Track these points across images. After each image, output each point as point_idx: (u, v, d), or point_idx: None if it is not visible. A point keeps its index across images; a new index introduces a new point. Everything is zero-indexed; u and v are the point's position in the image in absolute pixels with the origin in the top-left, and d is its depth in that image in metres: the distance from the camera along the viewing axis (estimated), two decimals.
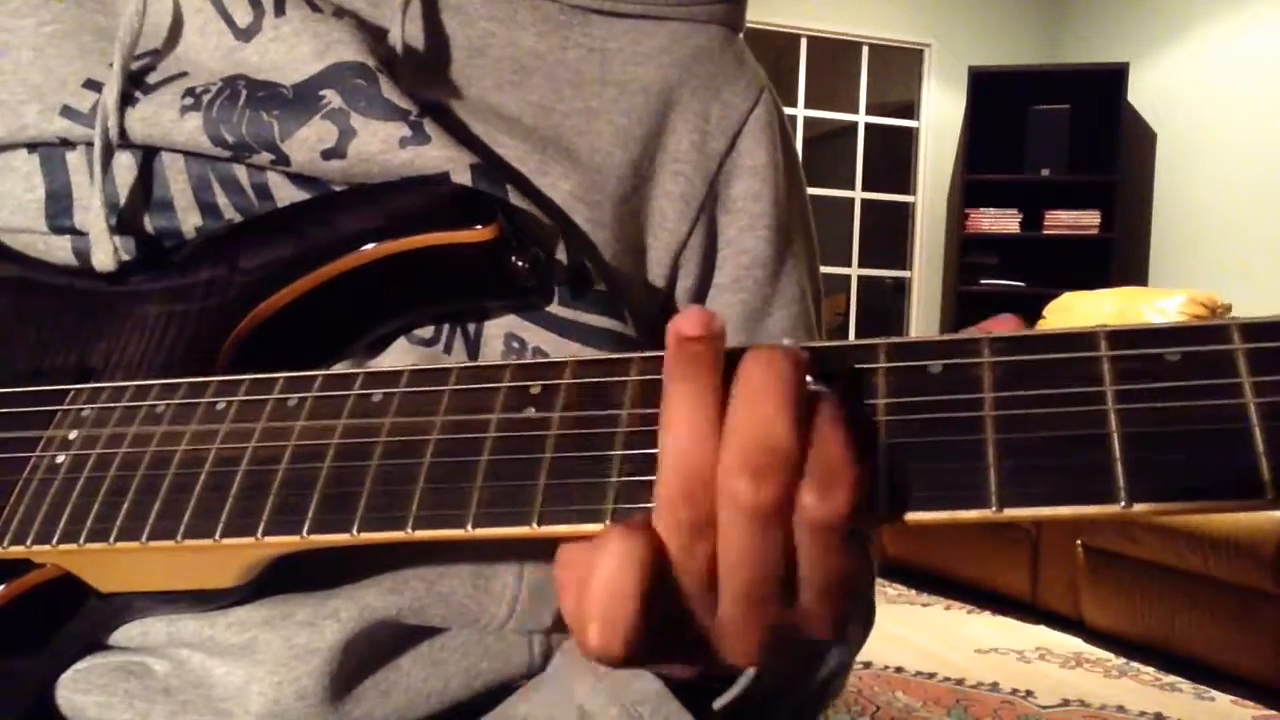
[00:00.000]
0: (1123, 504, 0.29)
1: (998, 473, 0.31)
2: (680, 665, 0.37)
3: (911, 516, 0.31)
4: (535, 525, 0.35)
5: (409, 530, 0.37)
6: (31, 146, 0.56)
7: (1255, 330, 0.30)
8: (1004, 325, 0.35)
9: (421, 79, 0.58)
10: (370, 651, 0.52)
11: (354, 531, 0.39)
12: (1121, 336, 0.32)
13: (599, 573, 0.33)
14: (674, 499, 0.32)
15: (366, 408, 0.41)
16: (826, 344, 0.36)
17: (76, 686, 0.51)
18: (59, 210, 0.55)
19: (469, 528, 0.36)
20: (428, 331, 0.54)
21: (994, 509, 0.30)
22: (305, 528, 0.39)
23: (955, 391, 0.33)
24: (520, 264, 0.51)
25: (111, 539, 0.43)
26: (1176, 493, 0.29)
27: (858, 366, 0.34)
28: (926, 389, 0.33)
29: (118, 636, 0.52)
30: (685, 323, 0.33)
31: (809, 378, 0.33)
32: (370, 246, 0.50)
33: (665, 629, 0.34)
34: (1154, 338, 0.31)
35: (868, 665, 3.00)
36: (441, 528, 0.37)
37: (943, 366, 0.33)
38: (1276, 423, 0.28)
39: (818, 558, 0.32)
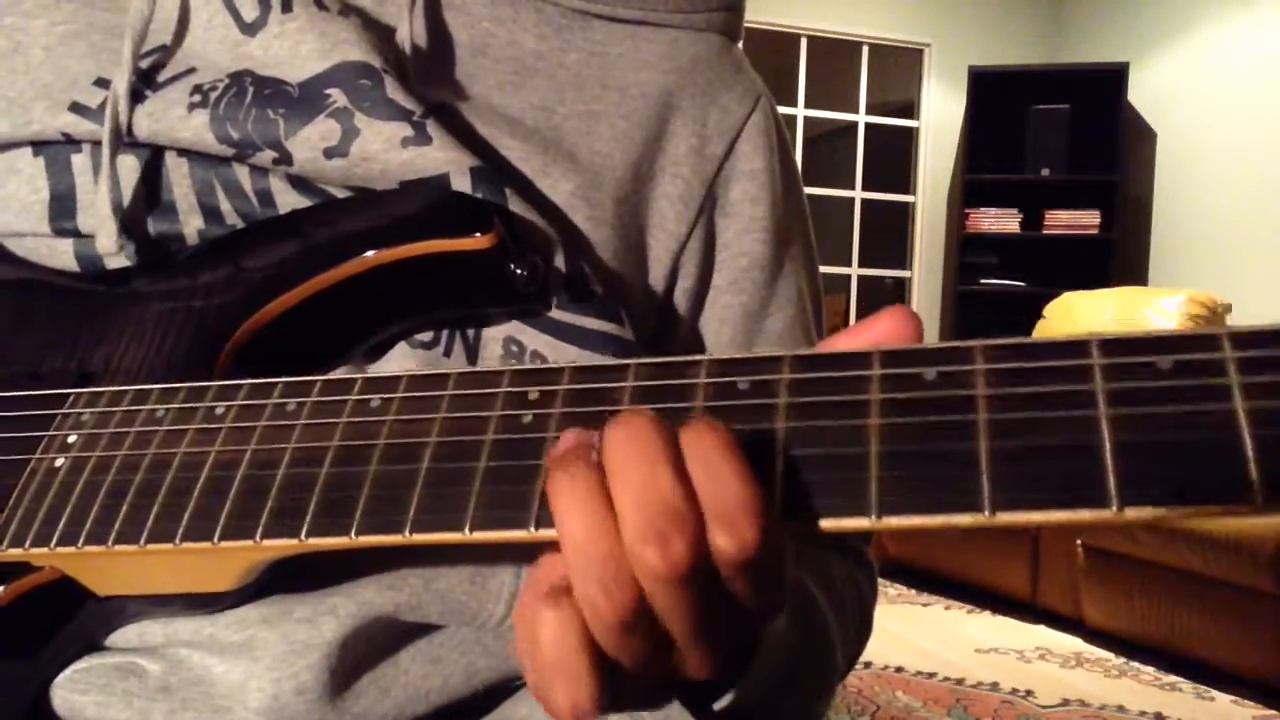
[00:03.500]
0: (1114, 509, 0.29)
1: (990, 479, 0.31)
2: (655, 697, 0.38)
3: (904, 522, 0.32)
4: (533, 529, 0.36)
5: (407, 534, 0.38)
6: (37, 147, 0.57)
7: (1245, 339, 0.30)
8: (894, 316, 0.36)
9: (426, 77, 0.58)
10: (369, 648, 0.52)
11: (352, 535, 0.39)
12: (1114, 344, 0.32)
13: (543, 646, 0.33)
14: (593, 597, 0.32)
15: (365, 412, 0.42)
16: (822, 352, 0.36)
17: (75, 686, 0.51)
18: (62, 212, 0.56)
19: (467, 531, 0.36)
20: (427, 335, 0.54)
21: (987, 514, 0.31)
22: (304, 531, 0.40)
23: (949, 398, 0.33)
24: (519, 272, 0.51)
25: (110, 542, 0.43)
26: (1167, 498, 0.29)
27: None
28: (920, 395, 0.33)
29: (115, 638, 0.52)
30: (560, 445, 0.35)
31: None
32: (369, 254, 0.50)
33: (626, 680, 0.34)
34: (1146, 346, 0.31)
35: (868, 665, 3.00)
36: (439, 531, 0.37)
37: (936, 374, 0.33)
38: (1265, 430, 0.29)
39: (749, 585, 0.33)
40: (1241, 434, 0.29)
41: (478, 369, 0.41)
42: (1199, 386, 0.30)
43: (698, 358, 0.37)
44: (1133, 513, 0.29)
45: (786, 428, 0.34)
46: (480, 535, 0.36)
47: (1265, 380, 0.29)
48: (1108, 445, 0.30)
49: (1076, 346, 0.32)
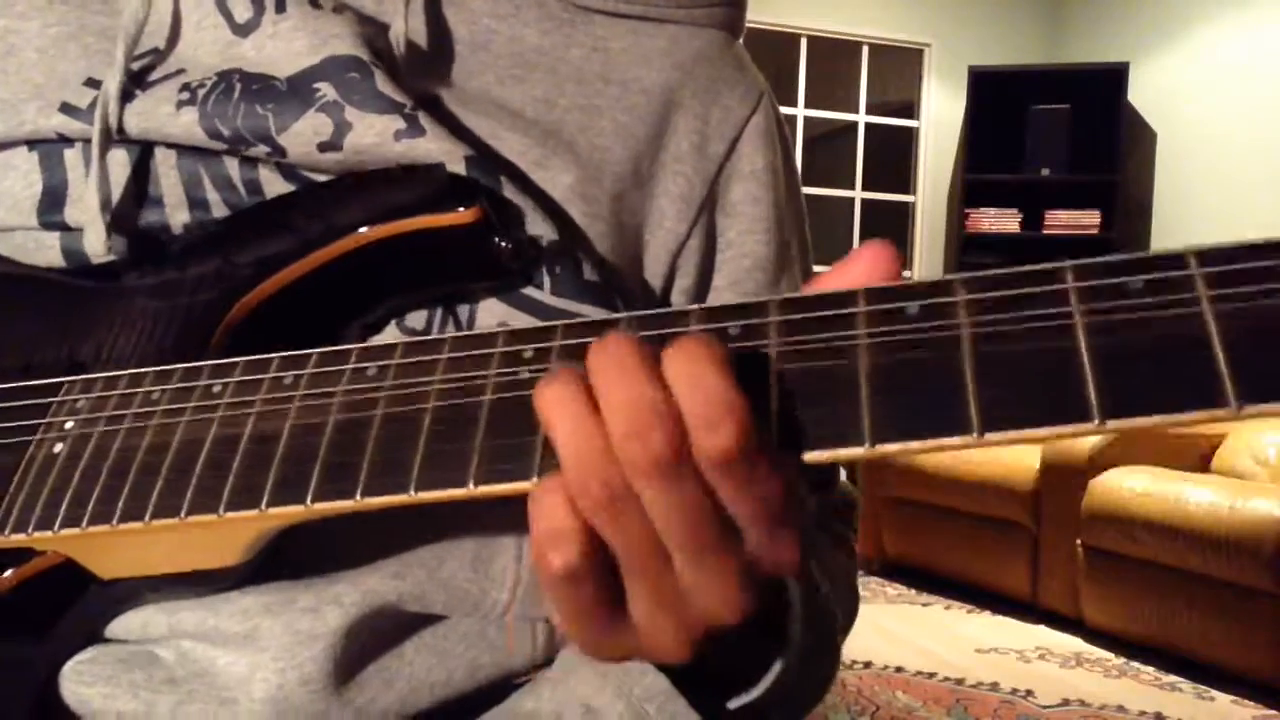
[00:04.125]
0: (1096, 420, 0.30)
1: (977, 400, 0.32)
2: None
3: (897, 447, 0.33)
4: (536, 478, 0.36)
5: (413, 492, 0.38)
6: (31, 144, 0.57)
7: (1211, 255, 0.31)
8: (872, 249, 0.37)
9: (423, 72, 0.58)
10: (373, 638, 0.52)
11: (358, 497, 0.39)
12: (1087, 269, 0.33)
13: (537, 519, 0.34)
14: (583, 479, 0.33)
15: (363, 380, 0.42)
16: (810, 294, 0.37)
17: (81, 678, 0.51)
18: (51, 205, 0.56)
19: (471, 485, 0.37)
20: (420, 320, 0.54)
21: (975, 434, 0.31)
22: (309, 496, 0.40)
23: (932, 329, 0.34)
24: (504, 245, 0.51)
25: (115, 520, 0.43)
26: (1146, 407, 0.30)
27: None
28: (905, 328, 0.34)
29: (117, 628, 0.52)
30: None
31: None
32: (355, 233, 0.51)
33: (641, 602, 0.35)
34: (1117, 268, 0.32)
35: (868, 665, 3.01)
36: (444, 488, 0.37)
37: (919, 307, 0.34)
38: (1235, 337, 0.30)
39: (738, 493, 0.33)
40: (1212, 343, 0.30)
41: (471, 333, 0.41)
42: (1169, 301, 0.31)
43: (688, 308, 0.38)
44: (1114, 424, 0.30)
45: (778, 369, 0.35)
46: (484, 489, 0.37)
47: (1231, 291, 0.30)
48: (1086, 361, 0.31)
49: (1051, 274, 0.33)
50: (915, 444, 0.32)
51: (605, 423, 0.33)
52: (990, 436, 0.31)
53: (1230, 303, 0.30)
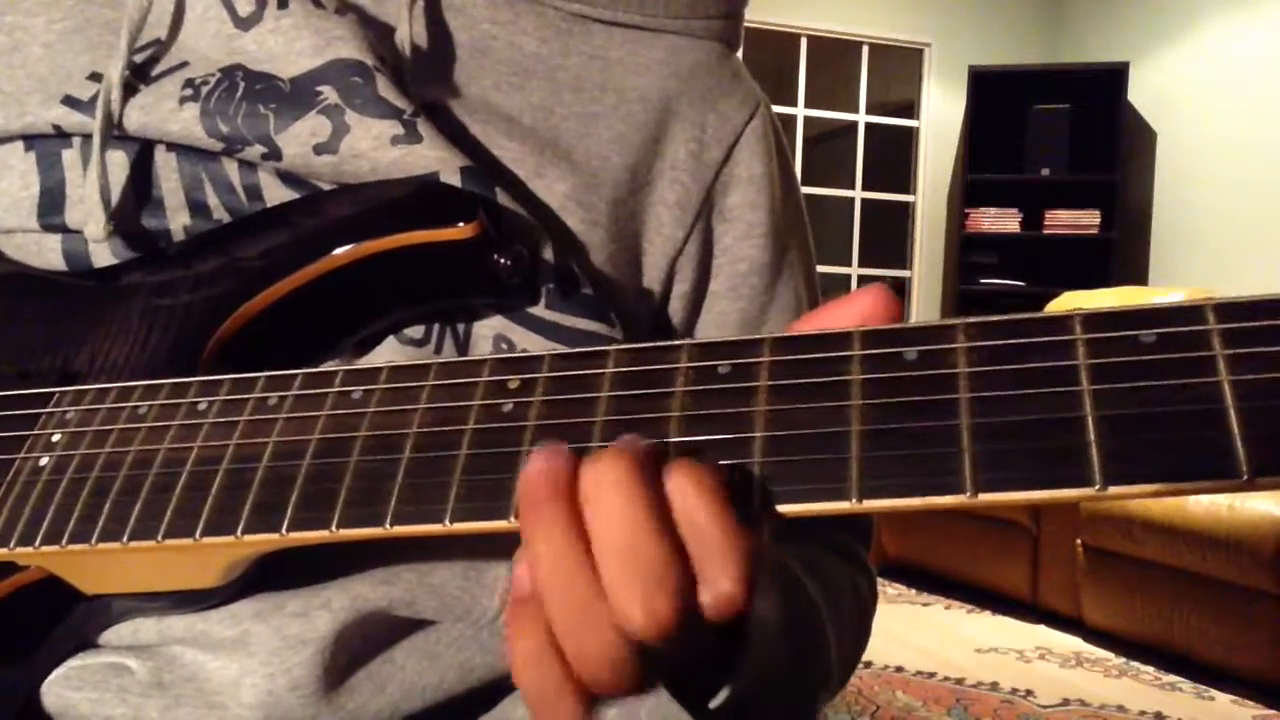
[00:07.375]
0: (1097, 486, 0.29)
1: (972, 457, 0.30)
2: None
3: (886, 504, 0.31)
4: (513, 520, 0.35)
5: (387, 526, 0.37)
6: (29, 142, 0.57)
7: (1229, 310, 0.30)
8: (873, 294, 0.36)
9: (424, 76, 0.58)
10: (362, 643, 0.52)
11: (333, 528, 0.38)
12: (1096, 319, 0.31)
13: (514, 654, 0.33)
14: (576, 640, 0.32)
15: (346, 404, 0.41)
16: (804, 334, 0.36)
17: (68, 684, 0.51)
18: (51, 208, 0.56)
19: (447, 522, 0.36)
20: (418, 332, 0.54)
21: (969, 494, 0.30)
22: (284, 525, 0.39)
23: (930, 377, 0.32)
24: (503, 261, 0.51)
25: (93, 540, 0.43)
26: (1151, 474, 0.28)
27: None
28: (902, 375, 0.33)
29: (109, 635, 0.52)
30: (531, 467, 0.33)
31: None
32: (352, 246, 0.50)
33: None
34: (1128, 320, 0.31)
35: (868, 665, 3.00)
36: (420, 523, 0.37)
37: (918, 353, 0.33)
38: (1251, 402, 0.28)
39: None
40: (1226, 407, 0.28)
41: (458, 359, 0.41)
42: (1183, 359, 0.29)
43: (678, 343, 0.37)
44: (1117, 490, 0.28)
45: (767, 411, 0.34)
46: (460, 526, 0.36)
47: (1250, 352, 0.29)
48: (1091, 421, 0.29)
49: (1058, 322, 0.32)
50: (904, 502, 0.31)
51: (600, 561, 0.32)
52: (984, 497, 0.30)
53: (1247, 363, 0.28)
